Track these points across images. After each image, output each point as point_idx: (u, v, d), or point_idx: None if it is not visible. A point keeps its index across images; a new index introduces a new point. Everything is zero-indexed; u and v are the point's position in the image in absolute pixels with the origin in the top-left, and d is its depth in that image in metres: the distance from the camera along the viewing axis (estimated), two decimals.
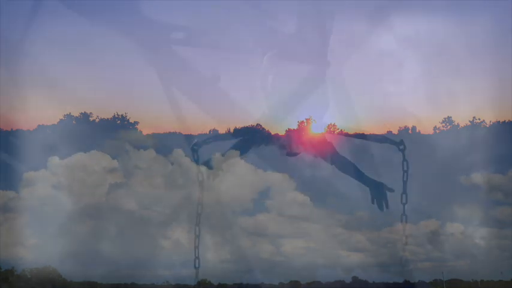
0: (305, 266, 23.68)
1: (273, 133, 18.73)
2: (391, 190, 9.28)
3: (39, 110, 23.60)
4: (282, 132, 17.87)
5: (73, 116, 24.16)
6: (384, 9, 18.62)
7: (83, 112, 24.13)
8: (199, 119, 23.17)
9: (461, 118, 23.57)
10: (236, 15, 19.48)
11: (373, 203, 9.49)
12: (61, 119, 23.97)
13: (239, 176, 23.45)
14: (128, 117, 24.24)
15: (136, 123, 24.24)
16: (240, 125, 18.97)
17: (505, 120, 22.98)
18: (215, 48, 19.08)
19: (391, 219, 23.52)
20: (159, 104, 20.39)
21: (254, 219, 24.21)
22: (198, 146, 9.99)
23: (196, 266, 10.08)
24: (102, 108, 24.37)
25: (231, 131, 18.52)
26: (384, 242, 23.48)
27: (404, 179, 8.95)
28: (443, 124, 23.88)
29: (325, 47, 15.74)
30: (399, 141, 9.36)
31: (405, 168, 9.00)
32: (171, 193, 23.32)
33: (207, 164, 10.01)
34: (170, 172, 23.66)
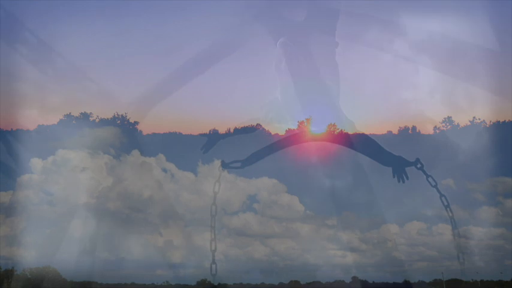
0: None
1: (273, 133, 18.78)
2: (411, 164, 9.52)
3: (39, 110, 23.61)
4: (282, 132, 17.92)
5: (73, 116, 24.15)
6: (387, 11, 18.65)
7: (83, 112, 24.11)
8: (199, 119, 23.22)
9: (461, 118, 23.56)
10: (237, 17, 19.46)
11: (394, 177, 9.75)
12: (61, 119, 23.96)
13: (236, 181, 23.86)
14: (128, 117, 24.23)
15: (136, 123, 24.23)
16: (240, 125, 19.04)
17: (505, 120, 22.95)
18: (215, 49, 19.06)
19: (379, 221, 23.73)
20: (159, 104, 20.37)
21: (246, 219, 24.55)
22: (225, 167, 11.27)
23: (213, 272, 10.57)
24: (102, 108, 24.37)
25: (231, 131, 18.59)
26: (375, 242, 23.67)
27: (439, 194, 9.09)
28: (444, 124, 23.86)
29: (327, 49, 15.76)
30: (415, 161, 9.54)
31: (433, 184, 9.15)
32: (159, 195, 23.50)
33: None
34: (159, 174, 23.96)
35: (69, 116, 24.08)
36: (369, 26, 19.08)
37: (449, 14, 19.93)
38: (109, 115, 24.20)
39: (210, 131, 19.41)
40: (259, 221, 24.61)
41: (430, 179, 9.25)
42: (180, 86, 19.64)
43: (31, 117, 22.84)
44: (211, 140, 15.78)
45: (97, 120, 24.27)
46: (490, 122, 23.08)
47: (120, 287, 22.84)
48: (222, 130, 18.71)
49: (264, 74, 20.95)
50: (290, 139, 15.29)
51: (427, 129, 23.79)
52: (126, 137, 24.17)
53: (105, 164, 23.73)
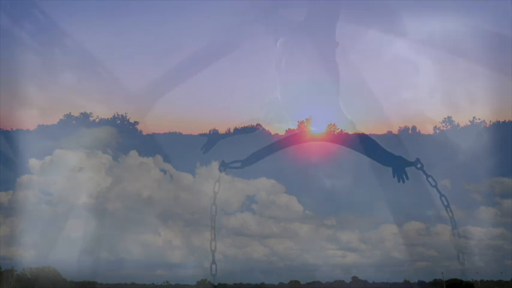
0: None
1: (273, 133, 18.77)
2: (411, 164, 9.58)
3: (39, 110, 23.61)
4: (282, 132, 17.91)
5: (73, 116, 24.14)
6: (387, 11, 18.64)
7: (82, 112, 24.10)
8: (199, 119, 23.23)
9: (461, 118, 23.55)
10: (237, 17, 19.47)
11: (394, 177, 9.81)
12: (61, 119, 23.94)
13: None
14: (127, 117, 24.22)
15: (136, 123, 24.21)
16: (240, 125, 19.04)
17: (505, 120, 22.94)
18: (215, 49, 19.07)
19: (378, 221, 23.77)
20: (159, 104, 20.40)
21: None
22: (225, 167, 11.48)
23: (213, 272, 10.66)
24: (102, 108, 24.35)
25: (231, 131, 18.58)
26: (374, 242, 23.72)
27: (439, 194, 9.16)
28: (444, 124, 23.86)
29: (327, 49, 15.72)
30: (415, 161, 9.61)
31: (433, 184, 9.20)
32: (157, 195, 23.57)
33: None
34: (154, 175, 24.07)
35: (69, 116, 24.09)
36: (369, 26, 19.09)
37: (449, 14, 19.93)
38: (109, 115, 24.21)
39: (210, 131, 19.40)
40: (257, 221, 24.65)
41: (430, 179, 9.26)
42: (180, 86, 19.66)
43: (31, 117, 22.84)
44: (211, 140, 15.75)
45: (97, 120, 24.27)
46: (490, 122, 23.08)
47: (120, 287, 22.84)
48: (222, 130, 18.72)
49: (264, 74, 20.98)
50: (290, 139, 15.26)
51: (427, 129, 23.79)
52: (125, 137, 24.19)
53: (104, 164, 23.75)
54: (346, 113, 15.46)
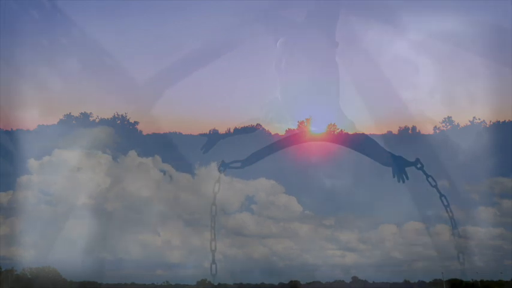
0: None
1: (273, 133, 18.77)
2: (411, 164, 9.62)
3: (39, 110, 23.60)
4: (282, 132, 17.92)
5: (73, 116, 24.14)
6: (387, 11, 18.66)
7: (83, 112, 24.10)
8: (199, 119, 23.23)
9: (461, 118, 23.56)
10: (237, 17, 19.48)
11: (394, 177, 9.85)
12: (61, 119, 23.94)
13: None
14: (127, 117, 24.22)
15: (136, 123, 24.22)
16: (240, 125, 19.05)
17: (505, 120, 22.94)
18: (215, 49, 19.08)
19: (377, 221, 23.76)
20: (159, 104, 20.40)
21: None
22: (225, 167, 11.62)
23: (213, 272, 10.67)
24: (102, 108, 24.35)
25: (231, 131, 18.58)
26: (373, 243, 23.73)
27: (439, 194, 9.19)
28: (444, 124, 23.86)
29: (327, 49, 15.71)
30: (415, 161, 9.66)
31: (433, 184, 9.23)
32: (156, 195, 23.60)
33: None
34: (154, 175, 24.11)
35: (69, 116, 24.08)
36: (369, 26, 19.11)
37: (449, 14, 19.93)
38: (109, 115, 24.21)
39: (210, 131, 19.40)
40: (257, 221, 24.66)
41: (430, 179, 9.28)
42: (180, 86, 19.68)
43: (31, 117, 22.84)
44: (211, 140, 15.76)
45: (97, 120, 24.26)
46: (490, 122, 23.09)
47: (120, 287, 22.84)
48: (222, 130, 18.72)
49: (264, 74, 20.96)
50: (290, 139, 15.26)
51: (427, 129, 23.77)
52: (125, 137, 24.18)
53: (104, 165, 23.74)
54: (346, 113, 15.47)
